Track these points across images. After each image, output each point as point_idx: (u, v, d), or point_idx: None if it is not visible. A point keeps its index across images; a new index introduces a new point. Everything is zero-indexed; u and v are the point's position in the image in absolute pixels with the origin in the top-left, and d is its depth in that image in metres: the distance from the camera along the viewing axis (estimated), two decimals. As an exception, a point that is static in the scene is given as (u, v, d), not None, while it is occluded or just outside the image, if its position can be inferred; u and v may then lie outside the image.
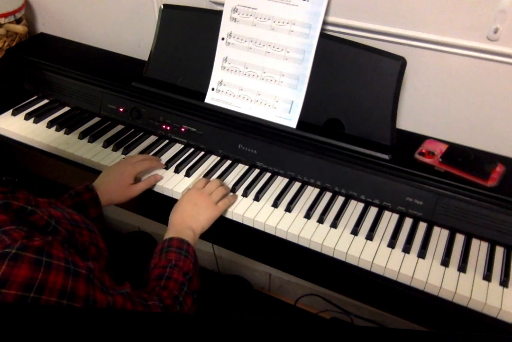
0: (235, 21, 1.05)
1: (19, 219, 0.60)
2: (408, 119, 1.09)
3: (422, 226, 0.96)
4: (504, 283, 0.84)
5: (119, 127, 1.21)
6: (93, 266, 0.61)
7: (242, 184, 1.05)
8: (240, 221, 0.99)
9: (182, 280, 0.78)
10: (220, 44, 1.08)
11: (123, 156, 1.11)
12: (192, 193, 0.96)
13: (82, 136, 1.17)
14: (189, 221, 0.91)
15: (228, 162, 1.11)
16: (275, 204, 1.00)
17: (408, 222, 0.97)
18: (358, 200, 1.01)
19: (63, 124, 1.20)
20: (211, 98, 1.12)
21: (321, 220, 0.96)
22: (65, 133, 1.18)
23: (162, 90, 1.15)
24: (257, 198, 1.01)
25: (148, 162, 1.05)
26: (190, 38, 1.12)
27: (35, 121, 1.22)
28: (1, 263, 0.51)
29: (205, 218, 0.93)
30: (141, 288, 0.77)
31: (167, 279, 0.77)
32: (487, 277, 0.86)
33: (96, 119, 1.24)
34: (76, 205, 0.89)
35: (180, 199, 0.97)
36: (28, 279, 0.52)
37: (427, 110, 1.06)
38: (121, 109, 1.20)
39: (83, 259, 0.61)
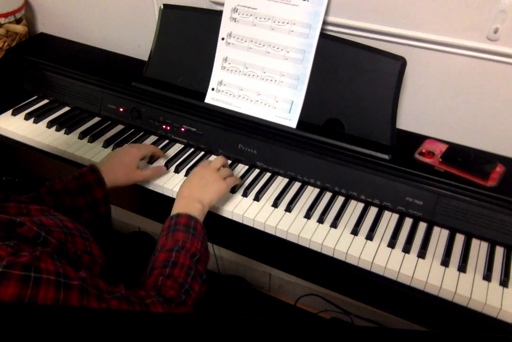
0: (235, 21, 1.05)
1: (7, 232, 0.58)
2: (408, 119, 1.09)
3: (422, 226, 0.96)
4: (504, 283, 0.84)
5: (119, 127, 1.21)
6: (85, 275, 0.60)
7: (242, 184, 1.05)
8: (240, 221, 0.98)
9: (189, 264, 0.77)
10: (220, 44, 1.08)
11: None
12: (199, 168, 0.97)
13: (82, 136, 1.17)
14: (197, 192, 0.91)
15: (228, 162, 1.11)
16: (275, 204, 1.00)
17: (408, 222, 0.97)
18: (358, 200, 1.01)
19: (63, 124, 1.20)
20: (211, 98, 1.12)
21: (321, 220, 0.96)
22: (65, 133, 1.18)
23: (162, 90, 1.15)
24: (257, 198, 1.01)
25: (152, 147, 1.06)
26: (190, 38, 1.12)
27: (35, 121, 1.22)
28: None
29: (213, 190, 0.92)
30: (145, 276, 0.77)
31: (172, 266, 0.76)
32: (487, 277, 0.86)
33: (96, 119, 1.24)
34: (80, 187, 0.89)
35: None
36: (16, 297, 0.51)
37: (427, 110, 1.06)
38: (121, 109, 1.20)
39: (75, 268, 0.60)
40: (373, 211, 0.99)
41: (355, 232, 0.94)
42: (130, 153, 0.99)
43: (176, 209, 0.88)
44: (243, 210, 0.98)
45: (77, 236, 0.69)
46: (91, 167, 0.92)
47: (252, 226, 0.98)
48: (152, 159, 1.10)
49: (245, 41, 1.05)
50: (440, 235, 0.94)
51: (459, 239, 0.94)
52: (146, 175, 1.01)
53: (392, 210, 0.99)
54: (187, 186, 0.93)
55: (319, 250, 0.93)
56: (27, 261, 0.54)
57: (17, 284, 0.51)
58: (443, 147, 1.00)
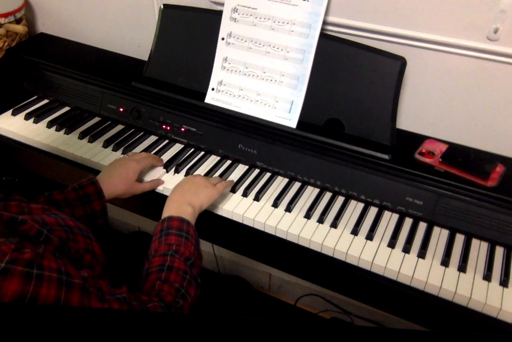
0: (235, 21, 1.05)
1: (9, 229, 0.58)
2: (408, 119, 1.09)
3: (422, 226, 0.96)
4: (504, 283, 0.85)
5: (119, 127, 1.21)
6: (87, 274, 0.60)
7: (242, 184, 1.05)
8: (240, 221, 0.99)
9: (184, 268, 0.77)
10: (220, 44, 1.08)
11: (123, 156, 1.11)
12: (190, 176, 1.00)
13: (82, 136, 1.17)
14: (188, 196, 0.91)
15: (228, 162, 1.11)
16: (275, 204, 1.00)
17: (408, 222, 0.97)
18: (358, 200, 1.01)
19: (63, 124, 1.20)
20: (211, 98, 1.12)
21: (321, 220, 0.96)
22: (65, 133, 1.18)
23: (162, 90, 1.15)
24: (257, 198, 1.01)
25: (151, 159, 1.06)
26: (190, 38, 1.12)
27: (35, 121, 1.22)
28: None
29: (204, 194, 0.93)
30: (141, 281, 0.77)
31: (168, 270, 0.76)
32: (487, 277, 0.86)
33: (96, 119, 1.24)
34: (79, 198, 0.89)
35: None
36: (18, 292, 0.51)
37: (427, 110, 1.06)
38: (121, 109, 1.20)
39: (77, 267, 0.60)
40: (373, 211, 0.99)
41: (355, 232, 0.94)
42: (130, 166, 0.99)
43: (166, 212, 0.88)
44: (243, 209, 0.98)
45: (78, 235, 0.69)
46: (90, 179, 0.92)
47: (252, 226, 0.98)
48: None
49: (245, 41, 1.05)
50: (440, 235, 0.94)
51: (459, 239, 0.94)
52: (144, 188, 1.02)
53: (392, 210, 0.99)
54: (178, 191, 0.93)
55: (319, 250, 0.93)
56: (30, 258, 0.54)
57: (19, 280, 0.51)
58: (443, 147, 1.00)
